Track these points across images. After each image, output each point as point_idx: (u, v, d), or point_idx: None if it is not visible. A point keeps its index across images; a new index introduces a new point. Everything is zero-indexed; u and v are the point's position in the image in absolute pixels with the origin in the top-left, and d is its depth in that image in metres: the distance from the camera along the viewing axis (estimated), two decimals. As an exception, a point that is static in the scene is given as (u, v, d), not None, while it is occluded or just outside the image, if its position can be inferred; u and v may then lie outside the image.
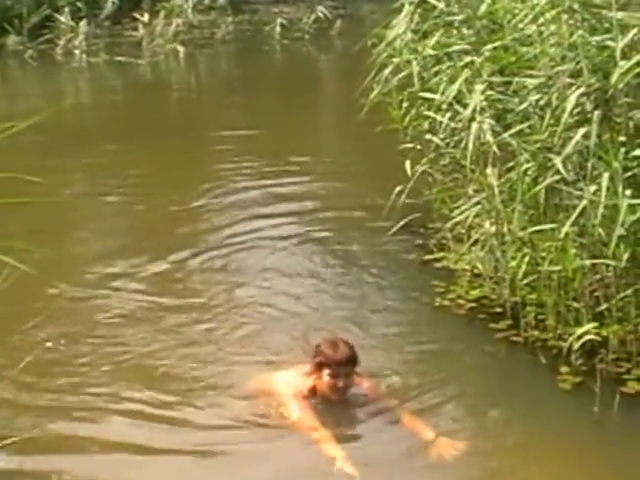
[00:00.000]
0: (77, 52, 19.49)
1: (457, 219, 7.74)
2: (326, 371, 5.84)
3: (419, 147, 8.62)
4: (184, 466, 5.69)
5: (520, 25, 7.43)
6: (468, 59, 7.81)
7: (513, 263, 7.13)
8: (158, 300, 7.84)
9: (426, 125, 8.48)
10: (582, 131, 6.48)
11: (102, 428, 6.05)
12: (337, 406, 5.95)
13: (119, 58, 18.80)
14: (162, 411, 6.17)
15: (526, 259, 6.97)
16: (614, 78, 6.35)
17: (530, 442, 5.77)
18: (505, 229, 7.20)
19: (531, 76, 7.13)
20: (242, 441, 5.87)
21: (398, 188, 8.22)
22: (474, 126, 7.34)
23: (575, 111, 6.64)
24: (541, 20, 7.13)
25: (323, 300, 7.86)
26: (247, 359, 6.81)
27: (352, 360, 5.85)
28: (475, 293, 7.53)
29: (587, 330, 6.34)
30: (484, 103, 7.43)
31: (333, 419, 5.90)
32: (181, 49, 19.35)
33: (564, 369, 6.43)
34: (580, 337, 6.29)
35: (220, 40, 20.62)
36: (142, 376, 6.58)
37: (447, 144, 8.10)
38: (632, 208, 6.16)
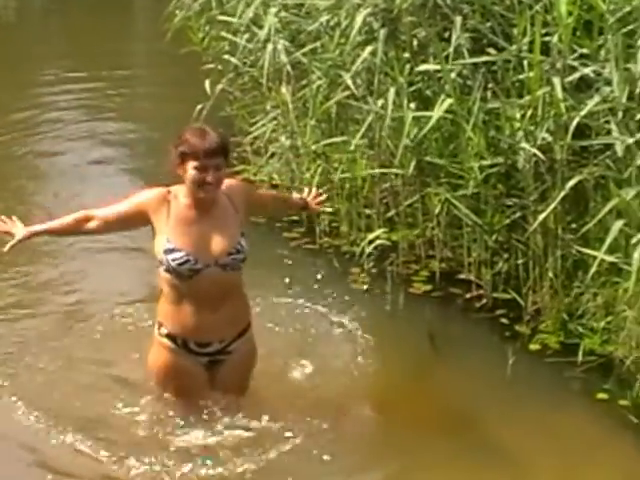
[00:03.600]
0: None
1: (256, 134, 7.35)
2: (192, 163, 4.16)
3: (220, 67, 8.14)
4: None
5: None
6: (263, -18, 7.32)
7: (308, 174, 6.80)
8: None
9: (226, 46, 8.02)
10: (369, 49, 6.15)
11: None
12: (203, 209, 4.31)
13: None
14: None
15: (320, 170, 6.64)
16: (399, -2, 5.99)
17: (329, 335, 5.42)
18: (300, 142, 6.84)
19: (322, -2, 6.71)
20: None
21: (199, 106, 7.62)
22: (269, 46, 6.96)
23: (363, 30, 6.30)
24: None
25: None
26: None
27: (222, 149, 4.20)
28: (272, 203, 7.07)
29: (378, 235, 6.11)
30: (278, 25, 7.04)
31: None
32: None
33: (357, 272, 6.14)
34: (371, 242, 6.06)
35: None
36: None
37: (245, 64, 7.62)
38: (416, 120, 5.85)
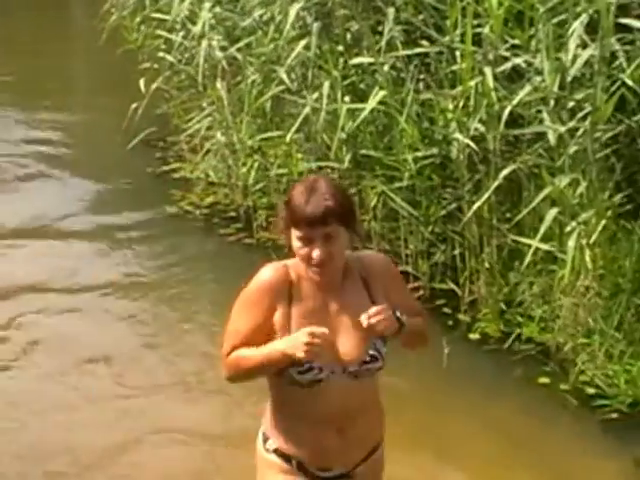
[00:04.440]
0: None
1: (191, 131, 7.20)
2: (295, 232, 2.90)
3: (156, 66, 7.99)
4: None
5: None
6: (196, -21, 7.20)
7: (244, 170, 6.67)
8: None
9: (162, 45, 7.89)
10: (303, 43, 6.05)
11: None
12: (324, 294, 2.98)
13: None
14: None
15: (256, 165, 6.53)
16: (331, -9, 5.94)
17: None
18: (235, 138, 6.71)
19: (255, -7, 6.63)
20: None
21: (134, 105, 7.45)
22: (204, 43, 6.82)
23: (296, 24, 6.22)
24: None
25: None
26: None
27: (335, 213, 2.86)
28: (210, 200, 6.98)
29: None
30: (213, 21, 6.93)
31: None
32: None
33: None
34: (309, 234, 5.87)
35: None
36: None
37: (180, 61, 7.48)
38: (351, 113, 5.75)
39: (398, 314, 2.91)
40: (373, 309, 2.84)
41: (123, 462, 4.39)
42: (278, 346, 2.86)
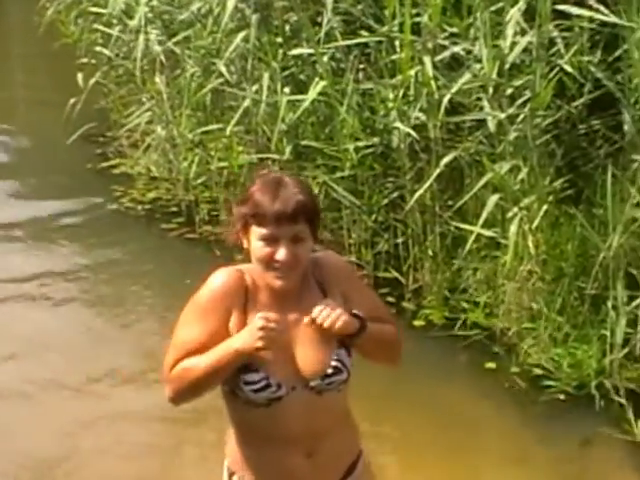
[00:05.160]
0: None
1: (130, 126, 7.12)
2: (257, 231, 2.56)
3: (93, 61, 7.88)
4: None
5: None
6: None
7: (185, 164, 6.61)
8: None
9: (99, 39, 7.80)
10: (242, 35, 5.99)
11: None
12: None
13: None
14: None
15: (197, 159, 6.46)
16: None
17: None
18: (175, 132, 6.64)
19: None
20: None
21: (72, 100, 7.31)
22: (141, 37, 6.75)
23: (235, 17, 6.17)
24: None
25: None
26: None
27: (304, 211, 2.56)
28: (152, 195, 6.90)
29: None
30: (150, 14, 6.86)
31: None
32: None
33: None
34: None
35: None
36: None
37: (118, 55, 7.38)
38: (291, 104, 5.72)
39: (355, 311, 2.61)
40: (317, 308, 2.56)
41: (77, 454, 4.32)
42: (231, 344, 2.53)
